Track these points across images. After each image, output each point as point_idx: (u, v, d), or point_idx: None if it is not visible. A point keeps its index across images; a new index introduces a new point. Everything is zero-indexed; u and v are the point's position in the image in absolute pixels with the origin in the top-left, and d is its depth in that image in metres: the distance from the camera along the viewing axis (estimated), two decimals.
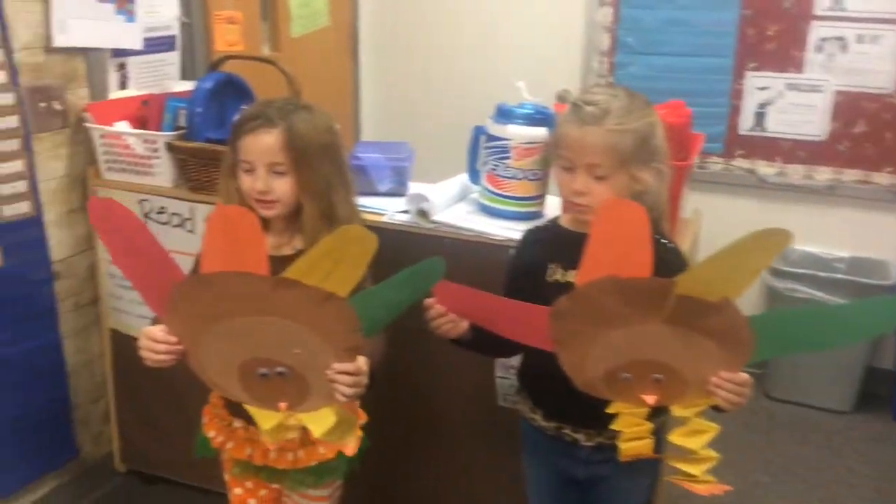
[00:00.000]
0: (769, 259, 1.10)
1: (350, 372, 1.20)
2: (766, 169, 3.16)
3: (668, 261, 1.33)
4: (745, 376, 1.20)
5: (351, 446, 1.26)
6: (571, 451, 1.53)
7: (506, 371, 1.90)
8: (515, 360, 1.86)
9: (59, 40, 2.02)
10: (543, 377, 1.47)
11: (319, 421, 1.22)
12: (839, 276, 2.94)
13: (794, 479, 2.58)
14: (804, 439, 2.81)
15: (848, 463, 2.66)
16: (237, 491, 1.69)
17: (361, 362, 1.23)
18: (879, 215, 3.02)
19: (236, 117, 1.54)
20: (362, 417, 1.52)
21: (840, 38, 2.96)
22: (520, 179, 1.88)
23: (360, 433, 1.29)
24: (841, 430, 2.83)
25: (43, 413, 2.16)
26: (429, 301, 1.37)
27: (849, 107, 2.99)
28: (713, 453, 1.25)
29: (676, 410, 1.26)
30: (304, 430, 1.27)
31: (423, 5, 3.54)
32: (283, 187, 1.46)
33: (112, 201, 1.21)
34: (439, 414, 2.03)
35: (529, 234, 1.61)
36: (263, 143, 1.44)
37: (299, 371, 1.19)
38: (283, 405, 1.20)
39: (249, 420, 1.52)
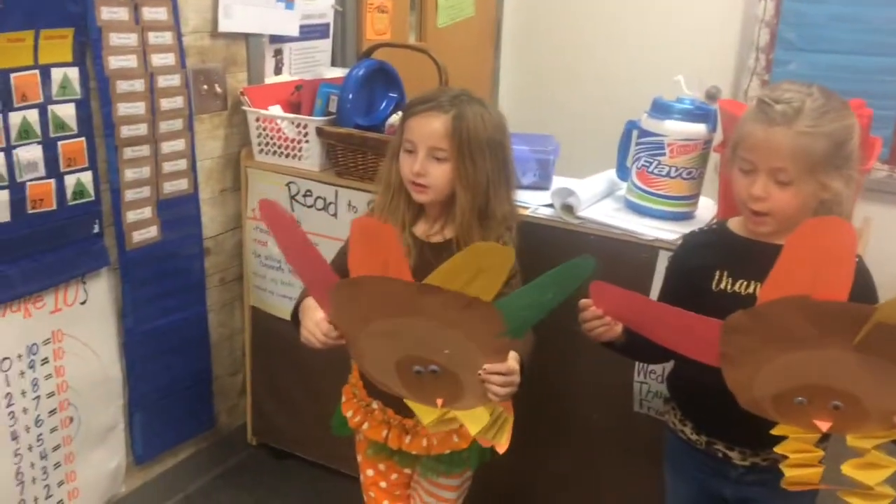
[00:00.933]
0: None
1: (501, 372, 1.20)
2: None
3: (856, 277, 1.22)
4: None
5: (503, 444, 1.25)
6: (722, 469, 1.45)
7: (646, 376, 1.82)
8: (658, 366, 1.79)
9: (224, 25, 2.10)
10: (696, 388, 1.40)
11: (475, 419, 1.23)
12: None
13: None
14: None
15: None
16: (370, 472, 1.71)
17: (512, 363, 1.22)
18: None
19: (409, 99, 1.55)
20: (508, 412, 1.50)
21: None
22: (673, 178, 1.79)
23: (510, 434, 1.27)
24: None
25: (187, 382, 2.26)
26: (584, 301, 1.32)
27: None
28: (890, 490, 1.16)
29: (852, 440, 1.17)
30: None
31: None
32: (439, 174, 1.46)
33: (274, 204, 1.27)
34: (572, 414, 1.98)
35: (693, 237, 1.52)
36: (430, 127, 1.45)
37: (451, 370, 1.20)
38: (440, 402, 1.22)
39: (387, 402, 1.54)
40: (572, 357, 1.87)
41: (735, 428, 1.37)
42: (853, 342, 1.07)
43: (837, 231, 1.07)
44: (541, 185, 2.03)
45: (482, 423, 1.22)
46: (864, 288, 1.24)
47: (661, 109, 1.80)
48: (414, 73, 2.19)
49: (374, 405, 1.59)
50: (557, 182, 1.98)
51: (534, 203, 1.93)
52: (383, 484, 1.70)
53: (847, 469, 1.17)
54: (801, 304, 1.07)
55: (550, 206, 1.90)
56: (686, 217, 1.84)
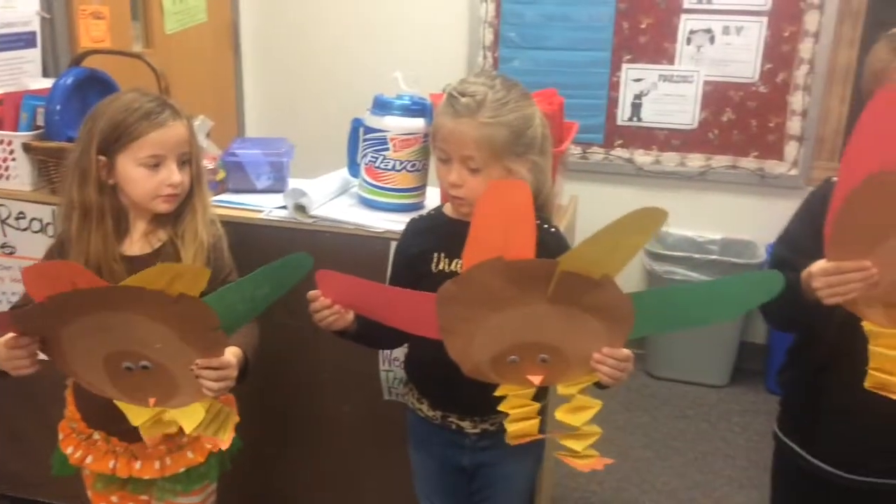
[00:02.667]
0: (647, 236, 1.13)
1: (214, 367, 1.19)
2: (643, 157, 3.29)
3: (550, 244, 1.35)
4: (626, 352, 1.23)
5: (225, 441, 1.24)
6: (457, 440, 1.54)
7: (390, 364, 1.89)
8: (400, 353, 1.87)
9: None
10: (429, 366, 1.48)
11: (190, 416, 1.21)
12: (713, 257, 3.10)
13: (675, 453, 2.70)
14: (683, 414, 2.95)
15: (723, 434, 2.81)
16: None
17: (228, 357, 1.22)
18: (747, 198, 3.20)
19: (118, 113, 1.44)
20: (235, 418, 1.49)
21: (707, 31, 3.11)
22: (399, 171, 1.88)
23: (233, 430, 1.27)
24: (717, 404, 2.98)
25: None
26: (312, 292, 1.34)
27: (717, 96, 3.15)
28: (596, 429, 1.28)
29: (561, 389, 1.28)
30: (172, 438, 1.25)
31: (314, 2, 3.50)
32: (187, 178, 1.46)
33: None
34: (323, 411, 2.01)
35: (413, 224, 1.60)
36: (176, 135, 1.43)
37: (164, 366, 1.18)
38: (152, 400, 1.19)
39: (111, 431, 1.47)
40: (317, 351, 1.90)
41: (463, 398, 1.46)
42: (547, 295, 1.17)
43: (516, 192, 1.15)
44: (276, 187, 2.04)
45: (198, 419, 1.21)
46: (562, 253, 1.38)
47: (381, 106, 1.88)
48: (140, 81, 2.09)
49: (97, 436, 1.51)
50: (294, 184, 2.00)
51: (268, 206, 1.94)
52: None
53: (559, 414, 1.28)
54: (497, 265, 1.15)
55: (285, 208, 1.92)
56: (416, 208, 1.93)
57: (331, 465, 2.05)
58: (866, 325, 1.18)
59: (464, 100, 1.36)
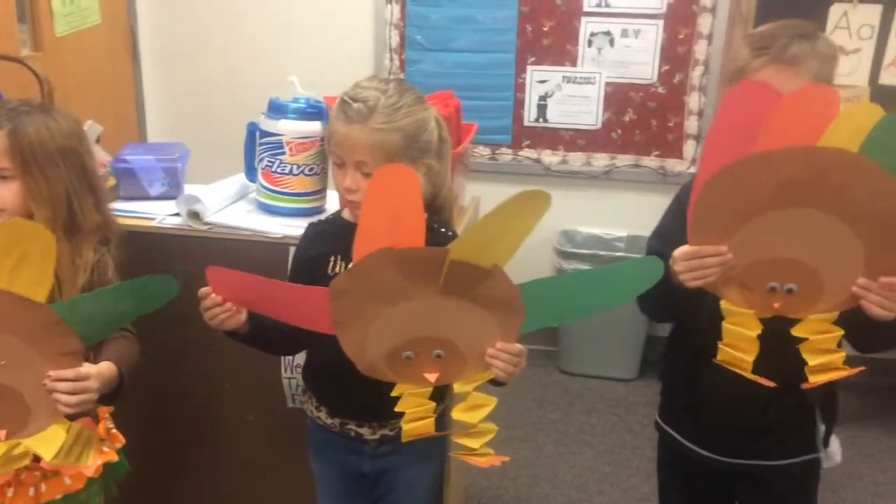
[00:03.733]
0: (533, 220, 1.14)
1: (69, 378, 1.12)
2: (550, 157, 3.35)
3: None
4: (519, 346, 1.24)
5: (90, 466, 1.17)
6: (357, 447, 1.53)
7: (293, 371, 1.87)
8: (302, 359, 1.85)
9: None
10: (326, 373, 1.47)
11: (48, 442, 1.13)
12: (619, 253, 3.18)
13: (586, 446, 2.76)
14: (594, 408, 3.02)
15: (631, 426, 2.89)
16: None
17: (85, 368, 1.15)
18: (650, 196, 3.27)
19: None
20: (119, 440, 1.42)
21: (607, 33, 3.18)
22: (296, 175, 1.85)
23: (106, 450, 1.21)
24: (626, 396, 3.06)
25: None
26: (203, 290, 1.30)
27: (618, 97, 3.23)
28: (492, 426, 1.29)
29: (457, 387, 1.28)
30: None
31: (205, 2, 3.41)
32: (7, 194, 1.35)
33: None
34: (224, 422, 1.97)
35: (311, 228, 1.59)
36: None
37: (12, 388, 1.10)
38: (1, 433, 1.11)
39: None
40: (215, 360, 1.86)
41: (361, 405, 1.46)
42: (439, 287, 1.17)
43: (402, 180, 1.15)
44: (171, 194, 1.98)
45: (57, 444, 1.13)
46: None
47: (276, 109, 1.85)
48: (26, 86, 2.00)
49: None
50: (189, 190, 1.95)
51: (161, 213, 1.88)
52: None
53: (455, 413, 1.28)
54: (387, 255, 1.15)
55: (178, 215, 1.87)
56: (316, 212, 1.91)
57: (233, 479, 2.01)
58: (724, 305, 1.24)
59: (356, 105, 1.36)
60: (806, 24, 1.42)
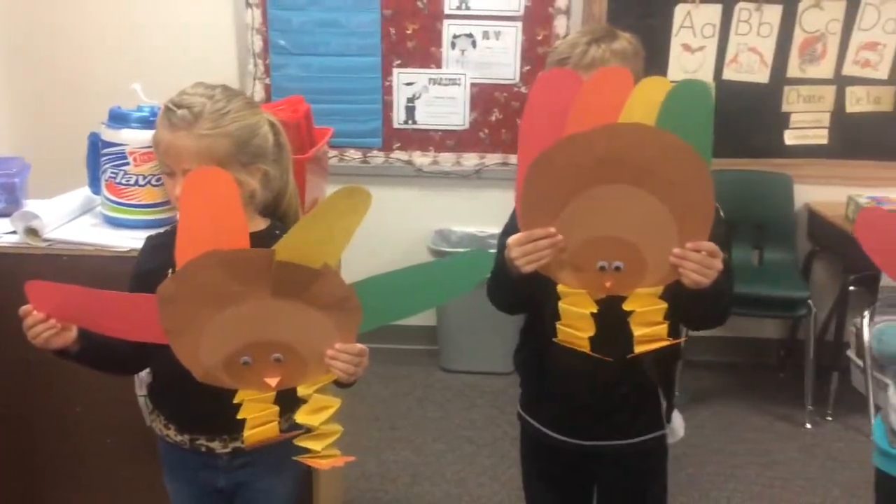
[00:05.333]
0: (358, 217, 1.14)
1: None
2: (421, 159, 3.38)
3: None
4: (359, 346, 1.24)
5: None
6: (210, 462, 1.49)
7: (147, 389, 1.80)
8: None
9: None
10: (170, 388, 1.43)
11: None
12: (493, 251, 3.22)
13: (466, 442, 2.80)
14: (473, 404, 3.07)
15: (510, 418, 2.90)
16: None
17: None
18: None
19: None
20: None
21: (469, 35, 3.25)
22: (142, 186, 1.80)
23: None
24: (505, 389, 3.12)
25: None
26: (24, 308, 1.24)
27: (484, 97, 3.30)
28: (336, 427, 1.27)
29: (300, 390, 1.26)
30: None
31: (57, 8, 3.25)
32: None
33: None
34: (80, 448, 1.88)
35: (149, 241, 1.54)
36: None
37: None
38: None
39: None
40: (66, 382, 1.78)
41: (209, 418, 1.41)
42: (270, 289, 1.16)
43: (217, 181, 1.13)
44: (10, 210, 1.87)
45: None
46: None
47: (117, 119, 1.79)
48: None
49: None
50: (28, 205, 1.85)
51: None
52: None
53: (299, 417, 1.26)
54: (212, 258, 1.13)
55: (15, 232, 1.77)
56: (165, 223, 1.84)
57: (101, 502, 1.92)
58: (560, 287, 1.29)
59: (180, 112, 1.32)
60: (602, 28, 1.50)
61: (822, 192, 3.26)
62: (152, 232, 1.59)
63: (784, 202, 3.26)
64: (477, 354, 3.26)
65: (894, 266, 1.24)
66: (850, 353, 3.04)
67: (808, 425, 2.95)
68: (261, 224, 1.43)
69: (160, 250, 1.48)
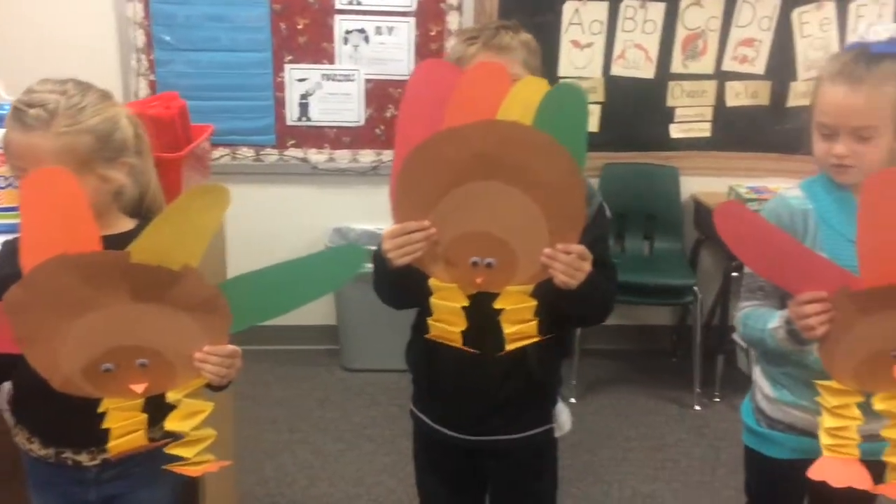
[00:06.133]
0: (216, 215, 1.11)
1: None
2: (316, 156, 3.33)
3: None
4: (231, 348, 1.21)
5: None
6: (78, 476, 1.42)
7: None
8: None
9: None
10: (31, 399, 1.37)
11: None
12: (371, 247, 3.21)
13: (366, 441, 2.78)
14: (375, 401, 3.05)
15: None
16: None
17: None
18: None
19: None
20: None
21: (361, 31, 3.21)
22: (3, 188, 1.70)
23: None
24: (406, 387, 3.07)
25: None
26: None
27: (378, 93, 3.28)
28: (209, 432, 1.24)
29: (170, 395, 1.22)
30: None
31: None
32: None
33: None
34: None
35: (5, 246, 1.44)
36: None
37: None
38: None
39: None
40: None
41: (75, 430, 1.35)
42: (129, 292, 1.12)
43: (59, 182, 1.09)
44: None
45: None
46: None
47: None
48: None
49: None
50: None
51: None
52: None
53: (169, 423, 1.22)
54: (62, 262, 1.08)
55: None
56: None
57: None
58: (432, 282, 1.29)
59: (33, 111, 1.24)
60: (509, 21, 1.51)
61: (706, 183, 3.39)
62: (10, 237, 1.51)
63: (671, 193, 3.38)
64: (378, 352, 3.23)
65: (745, 253, 1.30)
66: (736, 336, 3.18)
67: (697, 407, 3.07)
68: (129, 224, 1.37)
69: (17, 256, 1.40)
